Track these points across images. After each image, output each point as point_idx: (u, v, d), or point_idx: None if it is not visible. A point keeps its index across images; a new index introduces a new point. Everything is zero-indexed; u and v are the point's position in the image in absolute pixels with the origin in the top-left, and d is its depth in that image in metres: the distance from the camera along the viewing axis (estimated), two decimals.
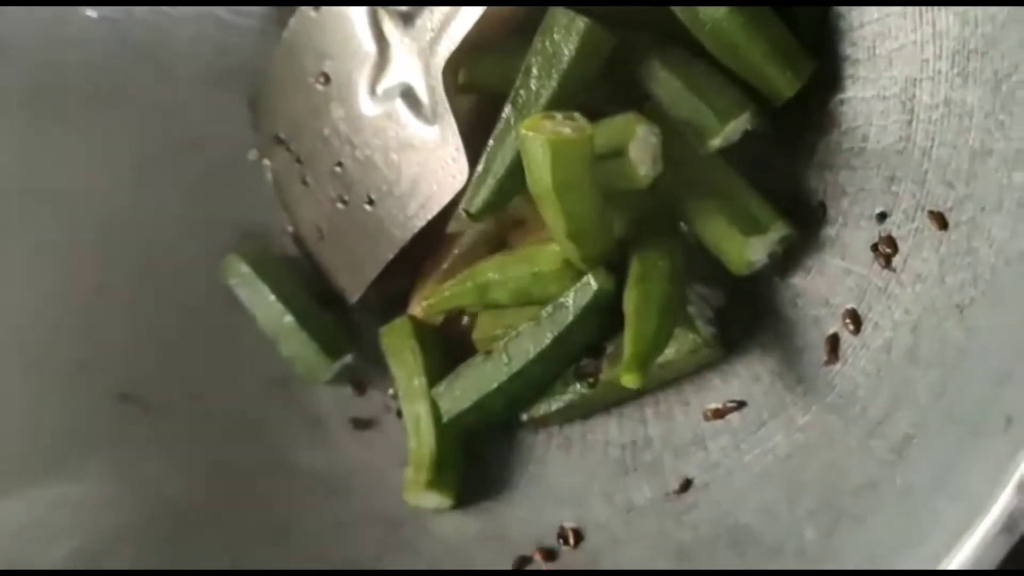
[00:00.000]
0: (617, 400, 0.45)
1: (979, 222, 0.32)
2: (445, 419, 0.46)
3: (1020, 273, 0.30)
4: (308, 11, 0.49)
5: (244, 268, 0.52)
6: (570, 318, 0.43)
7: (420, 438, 0.47)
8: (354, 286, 0.51)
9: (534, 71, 0.42)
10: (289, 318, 0.51)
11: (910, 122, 0.37)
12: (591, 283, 0.42)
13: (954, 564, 0.26)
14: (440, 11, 0.43)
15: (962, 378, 0.31)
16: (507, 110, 0.43)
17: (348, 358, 0.52)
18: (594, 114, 0.41)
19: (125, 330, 0.52)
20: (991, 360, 0.30)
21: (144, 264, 0.54)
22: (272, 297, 0.51)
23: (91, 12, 0.54)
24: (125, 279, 0.53)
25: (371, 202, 0.49)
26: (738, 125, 0.40)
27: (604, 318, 0.42)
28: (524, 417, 0.46)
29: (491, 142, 0.43)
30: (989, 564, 0.25)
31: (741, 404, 0.41)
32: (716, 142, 0.40)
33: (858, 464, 0.34)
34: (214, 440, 0.50)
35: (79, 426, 0.49)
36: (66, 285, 0.52)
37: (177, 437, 0.50)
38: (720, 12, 0.40)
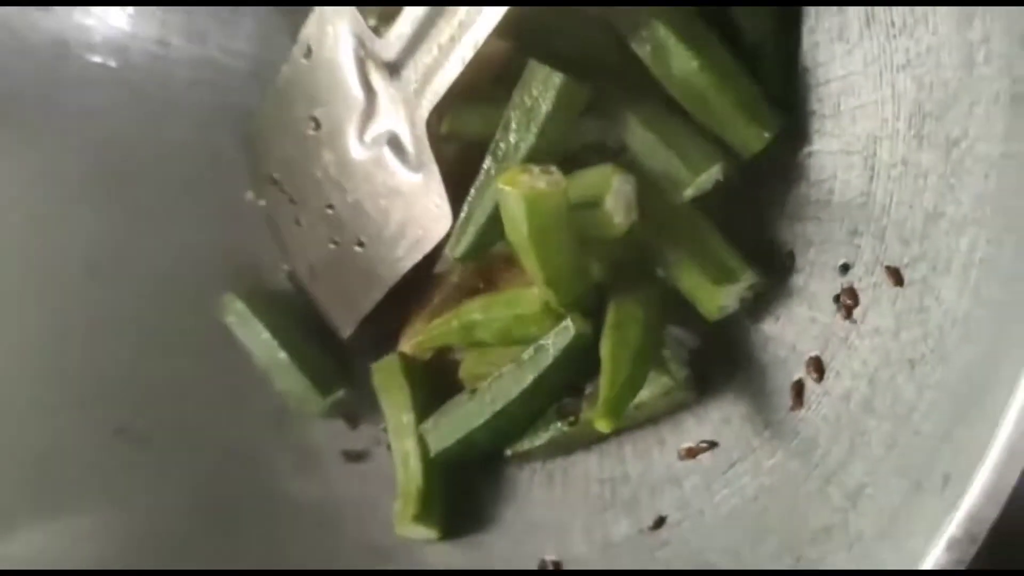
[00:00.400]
0: (598, 438, 0.46)
1: (930, 282, 0.34)
2: (432, 454, 0.48)
3: (964, 335, 0.31)
4: (299, 58, 0.50)
5: (240, 306, 0.54)
6: (550, 360, 0.44)
7: (408, 473, 0.49)
8: (346, 323, 0.53)
9: (513, 124, 0.44)
10: (283, 355, 0.53)
11: (871, 178, 0.38)
12: (570, 327, 0.43)
13: None
14: (424, 63, 0.44)
15: (910, 433, 0.32)
16: (488, 161, 0.44)
17: (341, 393, 0.53)
18: (572, 164, 0.42)
19: (123, 366, 0.54)
20: (935, 417, 0.31)
21: (142, 301, 0.56)
22: (267, 335, 0.53)
23: (91, 56, 0.55)
24: (123, 316, 0.55)
25: (361, 244, 0.50)
26: (709, 176, 0.42)
27: (583, 360, 0.44)
28: (508, 452, 0.48)
29: (472, 191, 0.45)
30: None
31: (712, 444, 0.42)
32: (688, 192, 0.42)
33: (816, 509, 0.35)
34: (209, 472, 0.52)
35: (78, 460, 0.51)
36: (65, 323, 0.54)
37: (173, 469, 0.52)
38: (691, 66, 0.41)
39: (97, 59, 0.57)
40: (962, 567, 0.27)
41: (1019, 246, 0.28)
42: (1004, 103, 0.30)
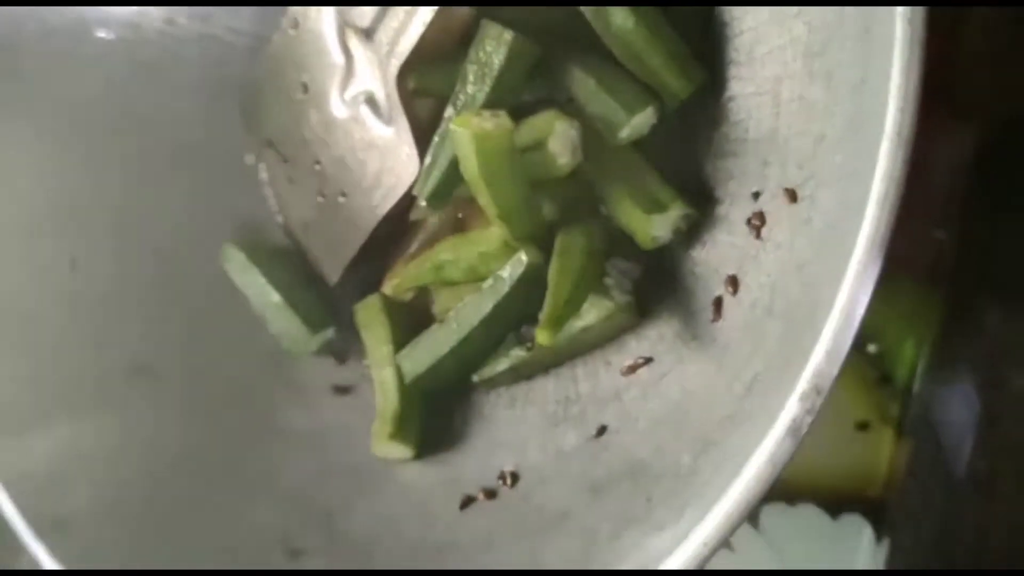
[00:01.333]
0: (555, 362, 0.52)
1: (815, 195, 0.39)
2: (407, 380, 0.53)
3: (835, 235, 0.36)
4: (288, 29, 0.56)
5: (239, 256, 0.59)
6: (506, 289, 0.49)
7: (386, 397, 0.54)
8: (334, 269, 0.58)
9: (470, 77, 0.49)
10: (277, 297, 0.58)
11: (777, 115, 0.43)
12: (522, 258, 0.49)
13: (760, 455, 0.33)
14: (392, 26, 0.50)
15: (794, 327, 0.37)
16: (448, 111, 0.50)
17: (330, 332, 0.59)
18: (525, 113, 0.48)
19: (138, 312, 0.60)
20: (810, 309, 0.36)
21: (152, 255, 0.61)
22: (262, 280, 0.59)
23: (104, 33, 0.62)
24: (136, 268, 0.61)
25: (344, 195, 0.56)
26: (644, 119, 0.47)
27: (537, 288, 0.49)
28: (475, 378, 0.53)
29: (436, 138, 0.50)
30: (781, 457, 0.32)
31: (648, 360, 0.47)
32: (625, 133, 0.47)
33: (723, 401, 0.40)
34: (211, 404, 0.58)
35: (97, 386, 0.57)
36: (87, 275, 0.60)
37: (180, 401, 0.58)
38: (628, 24, 0.46)
39: (113, 36, 0.63)
40: (811, 417, 0.32)
41: (871, 157, 0.33)
42: (862, 37, 0.35)
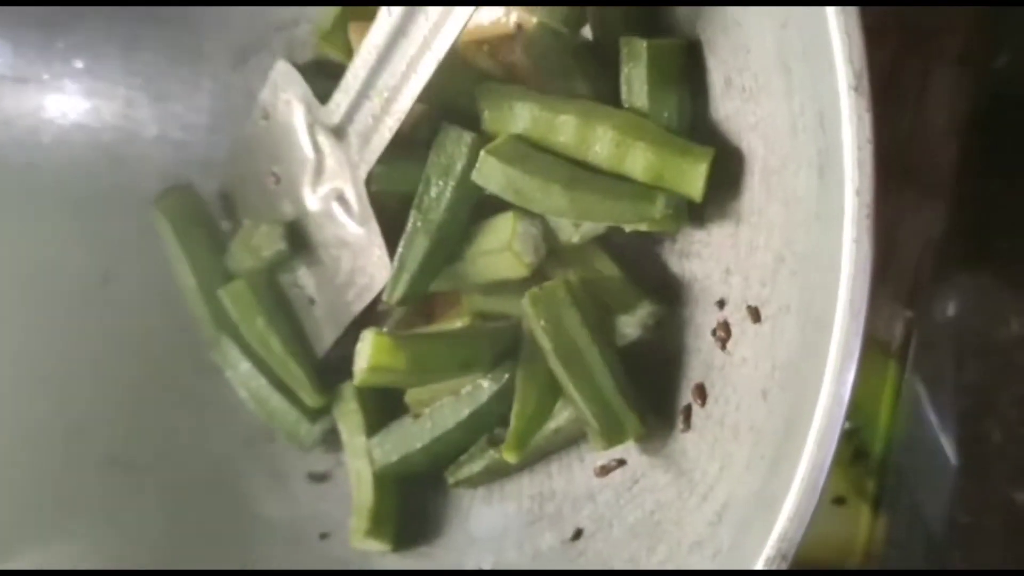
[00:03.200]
0: (528, 463, 0.51)
1: (778, 320, 0.38)
2: (375, 468, 0.53)
3: (795, 371, 0.36)
4: (259, 119, 0.56)
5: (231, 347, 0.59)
6: (484, 399, 0.49)
7: (361, 491, 0.54)
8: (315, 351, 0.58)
9: (433, 179, 0.48)
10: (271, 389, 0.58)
11: (737, 223, 0.42)
12: (503, 376, 0.48)
13: None
14: (360, 130, 0.49)
15: (758, 458, 0.37)
16: (413, 214, 0.49)
17: (328, 420, 0.58)
18: (489, 208, 0.47)
19: (110, 399, 0.60)
20: (773, 445, 0.36)
21: (127, 339, 0.61)
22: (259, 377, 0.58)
23: (63, 121, 0.61)
24: (108, 354, 0.61)
25: (318, 289, 0.55)
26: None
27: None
28: (451, 480, 0.53)
29: (402, 243, 0.49)
30: None
31: (622, 462, 0.47)
32: (582, 231, 0.46)
33: (694, 523, 0.40)
34: (189, 495, 0.58)
35: (68, 488, 0.57)
36: (54, 361, 0.60)
37: (156, 493, 0.58)
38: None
39: (71, 124, 0.62)
40: None
41: (824, 297, 0.32)
42: (814, 170, 0.34)
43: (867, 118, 0.29)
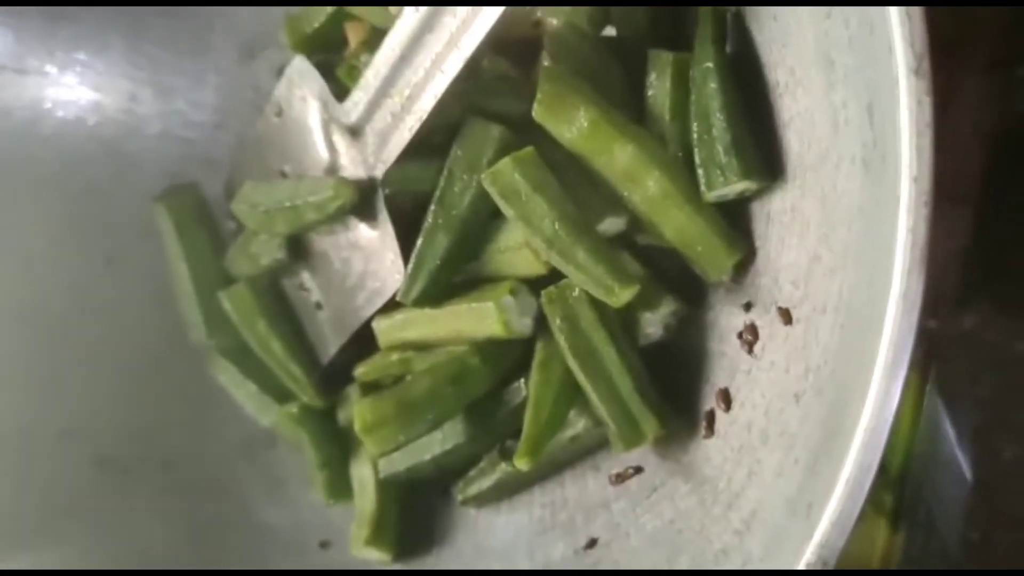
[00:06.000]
0: (541, 477, 0.49)
1: (812, 321, 0.37)
2: (381, 476, 0.51)
3: (832, 372, 0.34)
4: (271, 116, 0.54)
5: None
6: (497, 411, 0.48)
7: (364, 498, 0.52)
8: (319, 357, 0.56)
9: (456, 174, 0.47)
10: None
11: (767, 223, 0.41)
12: (521, 388, 0.47)
13: None
14: (378, 128, 0.48)
15: (791, 463, 0.35)
16: (433, 209, 0.47)
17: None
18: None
19: (104, 401, 0.58)
20: (809, 449, 0.34)
21: (122, 341, 0.59)
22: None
23: (63, 112, 0.59)
24: (104, 356, 0.59)
25: (326, 292, 0.54)
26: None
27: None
28: (460, 498, 0.51)
29: (420, 239, 0.48)
30: None
31: (639, 470, 0.46)
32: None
33: (719, 532, 0.39)
34: (185, 500, 0.56)
35: (62, 491, 0.55)
36: (48, 363, 0.58)
37: (151, 497, 0.56)
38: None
39: (72, 116, 0.60)
40: None
41: (871, 294, 0.31)
42: (858, 164, 0.33)
43: (927, 103, 0.28)
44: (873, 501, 0.53)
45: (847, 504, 0.30)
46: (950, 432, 0.55)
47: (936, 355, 0.53)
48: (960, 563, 0.56)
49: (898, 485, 0.53)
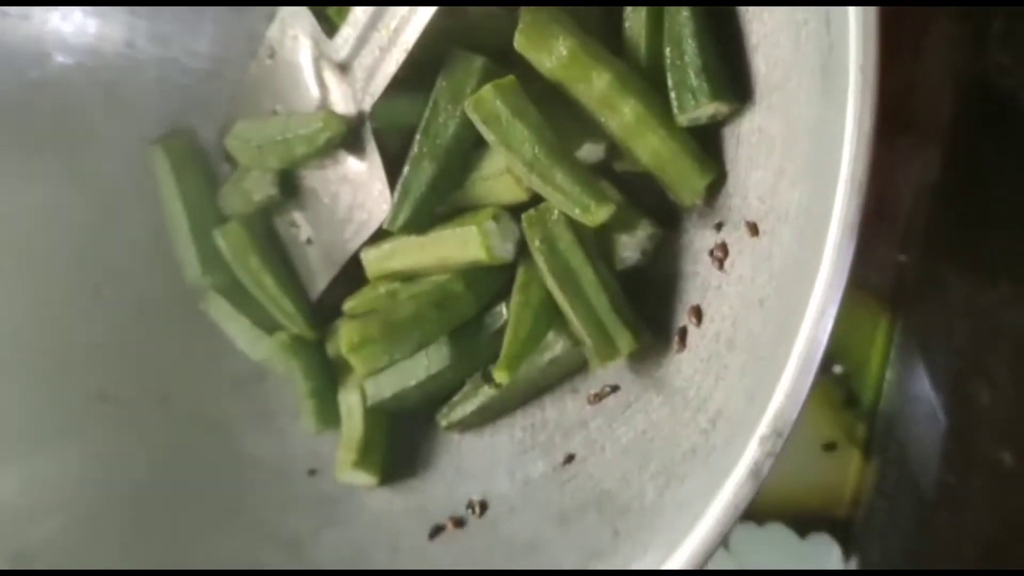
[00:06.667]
0: (524, 400, 0.51)
1: (776, 231, 0.39)
2: (368, 403, 0.53)
3: (795, 275, 0.36)
4: (264, 59, 0.56)
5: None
6: (480, 336, 0.50)
7: (351, 423, 0.54)
8: (309, 294, 0.58)
9: (441, 104, 0.49)
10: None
11: (737, 145, 0.43)
12: (502, 312, 0.49)
13: (721, 499, 0.33)
14: (366, 63, 0.49)
15: (756, 359, 0.37)
16: (419, 139, 0.49)
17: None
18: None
19: (103, 336, 0.60)
20: (771, 344, 0.36)
21: (118, 279, 0.61)
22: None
23: (63, 58, 0.61)
24: (103, 293, 0.61)
25: (316, 227, 0.55)
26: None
27: None
28: (443, 424, 0.53)
29: (406, 168, 0.50)
30: (743, 500, 0.32)
31: (615, 388, 0.47)
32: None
33: (687, 434, 0.40)
34: (176, 430, 0.58)
35: (60, 415, 0.57)
36: (49, 297, 0.60)
37: (145, 428, 0.58)
38: None
39: (72, 61, 0.62)
40: (772, 459, 0.32)
41: (826, 200, 0.33)
42: (816, 80, 0.35)
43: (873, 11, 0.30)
44: (847, 432, 0.55)
45: (799, 377, 0.31)
46: (926, 378, 0.56)
47: (908, 294, 0.55)
48: (934, 505, 0.58)
49: (870, 417, 0.55)
